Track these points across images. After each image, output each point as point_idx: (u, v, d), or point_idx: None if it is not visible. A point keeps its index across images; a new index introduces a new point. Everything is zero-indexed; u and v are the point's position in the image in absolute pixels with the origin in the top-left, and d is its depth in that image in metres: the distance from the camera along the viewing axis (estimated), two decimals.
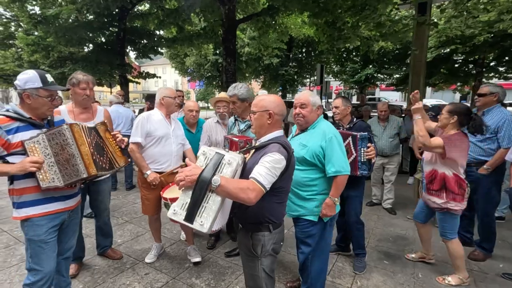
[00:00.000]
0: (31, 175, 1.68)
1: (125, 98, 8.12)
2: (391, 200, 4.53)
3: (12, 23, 14.47)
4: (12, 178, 1.74)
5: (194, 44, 11.16)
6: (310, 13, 7.22)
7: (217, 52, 17.00)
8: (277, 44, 13.37)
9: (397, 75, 16.37)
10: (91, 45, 11.77)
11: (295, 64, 19.15)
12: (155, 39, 11.66)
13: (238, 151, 1.56)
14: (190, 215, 1.27)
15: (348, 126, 2.87)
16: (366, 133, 2.54)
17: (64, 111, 2.56)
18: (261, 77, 20.09)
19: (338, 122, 2.96)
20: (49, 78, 1.79)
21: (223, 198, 1.32)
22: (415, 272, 2.85)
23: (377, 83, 18.87)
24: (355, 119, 2.93)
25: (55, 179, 1.71)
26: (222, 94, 3.20)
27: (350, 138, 2.57)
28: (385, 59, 15.70)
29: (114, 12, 10.06)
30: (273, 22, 10.01)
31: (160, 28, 10.83)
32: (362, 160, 2.52)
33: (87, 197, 2.87)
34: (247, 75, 19.11)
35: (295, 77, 18.96)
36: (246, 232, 1.63)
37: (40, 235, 1.79)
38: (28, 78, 1.72)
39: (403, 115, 7.23)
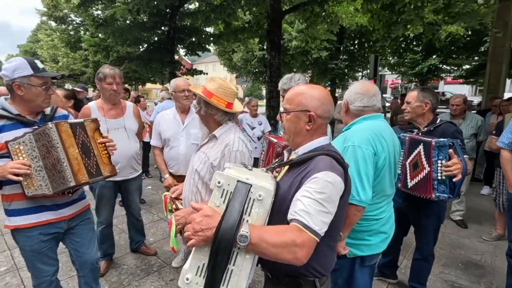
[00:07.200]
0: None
1: None
2: (461, 212, 3.77)
3: (81, 28, 16.11)
4: (0, 183, 1.55)
5: (239, 39, 11.05)
6: None
7: (264, 47, 16.77)
8: (326, 36, 12.55)
9: (468, 66, 14.25)
10: (145, 44, 12.46)
11: (346, 57, 17.92)
12: (203, 36, 11.85)
13: (265, 168, 1.16)
14: (212, 284, 0.89)
15: (426, 129, 2.14)
16: (445, 139, 1.84)
17: (94, 108, 2.50)
18: (308, 71, 19.31)
19: (414, 123, 2.26)
20: (40, 64, 1.56)
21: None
22: None
23: (441, 75, 16.70)
24: (439, 119, 2.17)
25: (42, 185, 1.48)
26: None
27: (421, 146, 1.97)
28: (453, 47, 13.74)
29: (164, 12, 10.42)
30: (323, 12, 9.34)
31: (207, 25, 10.93)
32: (439, 177, 1.86)
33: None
34: (294, 70, 18.54)
35: (346, 70, 17.76)
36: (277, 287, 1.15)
37: (32, 245, 1.62)
38: (16, 65, 1.49)
39: (473, 111, 6.07)
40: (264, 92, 25.80)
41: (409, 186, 2.08)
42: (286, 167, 1.16)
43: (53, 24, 18.69)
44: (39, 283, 1.72)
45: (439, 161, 1.85)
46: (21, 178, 1.44)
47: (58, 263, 1.80)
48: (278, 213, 1.02)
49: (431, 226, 2.18)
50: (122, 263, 2.86)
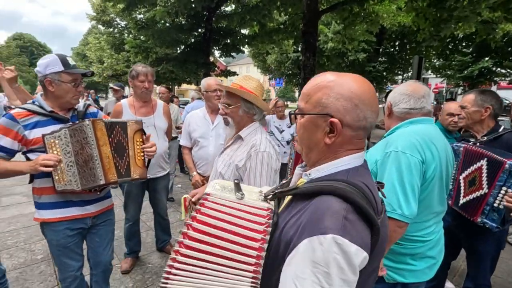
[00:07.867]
0: (49, 174, 1.50)
1: None
2: None
3: (125, 31, 17.10)
4: (32, 176, 1.59)
5: (274, 40, 10.96)
6: None
7: (298, 49, 16.52)
8: (365, 37, 11.97)
9: None
10: (182, 46, 12.87)
11: (385, 59, 17.03)
12: (237, 37, 11.94)
13: (264, 195, 0.82)
14: None
15: (485, 138, 1.85)
16: None
17: (125, 105, 2.53)
18: None
19: (470, 131, 1.98)
20: (71, 61, 1.58)
21: None
22: None
23: (495, 79, 15.17)
24: (502, 127, 1.86)
25: (72, 181, 1.50)
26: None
27: (484, 162, 1.69)
28: (510, 48, 12.43)
29: (201, 14, 10.66)
30: (362, 11, 8.91)
31: (242, 26, 10.99)
32: (495, 205, 1.62)
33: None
34: None
35: (384, 73, 16.86)
36: None
37: (59, 240, 1.65)
38: (48, 61, 1.52)
39: None
40: (297, 94, 25.48)
41: (459, 204, 1.82)
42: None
43: (101, 28, 20.08)
44: (65, 278, 1.74)
45: (504, 188, 1.57)
46: (50, 169, 1.46)
47: (83, 259, 1.82)
48: (270, 265, 0.71)
49: (489, 253, 1.87)
50: (147, 262, 2.86)
